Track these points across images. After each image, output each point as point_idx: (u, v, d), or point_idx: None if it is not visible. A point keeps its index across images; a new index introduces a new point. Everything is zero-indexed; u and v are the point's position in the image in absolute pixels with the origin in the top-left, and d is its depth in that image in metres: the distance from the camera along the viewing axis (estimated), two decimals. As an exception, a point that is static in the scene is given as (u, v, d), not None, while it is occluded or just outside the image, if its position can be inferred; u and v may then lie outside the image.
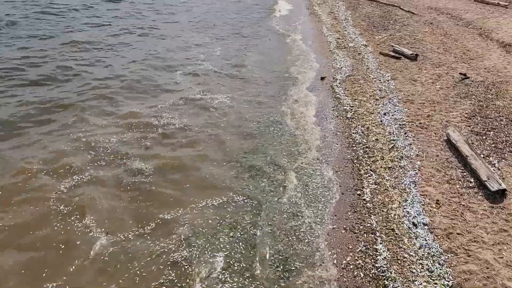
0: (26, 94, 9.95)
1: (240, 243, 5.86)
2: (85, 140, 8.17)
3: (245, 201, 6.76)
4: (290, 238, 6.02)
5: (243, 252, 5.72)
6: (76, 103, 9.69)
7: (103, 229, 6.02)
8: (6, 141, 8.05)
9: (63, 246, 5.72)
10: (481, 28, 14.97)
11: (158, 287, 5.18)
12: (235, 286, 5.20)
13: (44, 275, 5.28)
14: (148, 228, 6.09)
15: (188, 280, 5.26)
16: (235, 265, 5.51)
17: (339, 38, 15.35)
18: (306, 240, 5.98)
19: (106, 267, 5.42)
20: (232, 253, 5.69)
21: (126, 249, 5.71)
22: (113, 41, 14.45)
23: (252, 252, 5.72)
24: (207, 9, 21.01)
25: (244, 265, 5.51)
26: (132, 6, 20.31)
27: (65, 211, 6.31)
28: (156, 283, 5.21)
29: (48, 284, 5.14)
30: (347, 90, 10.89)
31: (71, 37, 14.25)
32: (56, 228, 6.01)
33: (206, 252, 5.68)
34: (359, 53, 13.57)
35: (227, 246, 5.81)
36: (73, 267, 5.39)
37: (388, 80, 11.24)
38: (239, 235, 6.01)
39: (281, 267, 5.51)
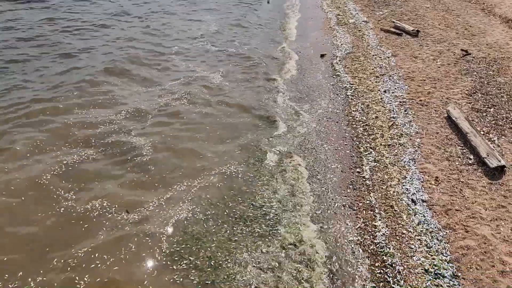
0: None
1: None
2: (84, 121, 8.14)
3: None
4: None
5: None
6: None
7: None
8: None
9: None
10: (483, 3, 14.69)
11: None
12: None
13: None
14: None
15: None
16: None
17: (339, 15, 15.08)
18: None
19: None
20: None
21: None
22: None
23: None
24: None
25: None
26: None
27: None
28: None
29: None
30: (347, 68, 10.77)
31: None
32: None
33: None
34: (359, 30, 13.35)
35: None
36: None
37: (388, 57, 11.09)
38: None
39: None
